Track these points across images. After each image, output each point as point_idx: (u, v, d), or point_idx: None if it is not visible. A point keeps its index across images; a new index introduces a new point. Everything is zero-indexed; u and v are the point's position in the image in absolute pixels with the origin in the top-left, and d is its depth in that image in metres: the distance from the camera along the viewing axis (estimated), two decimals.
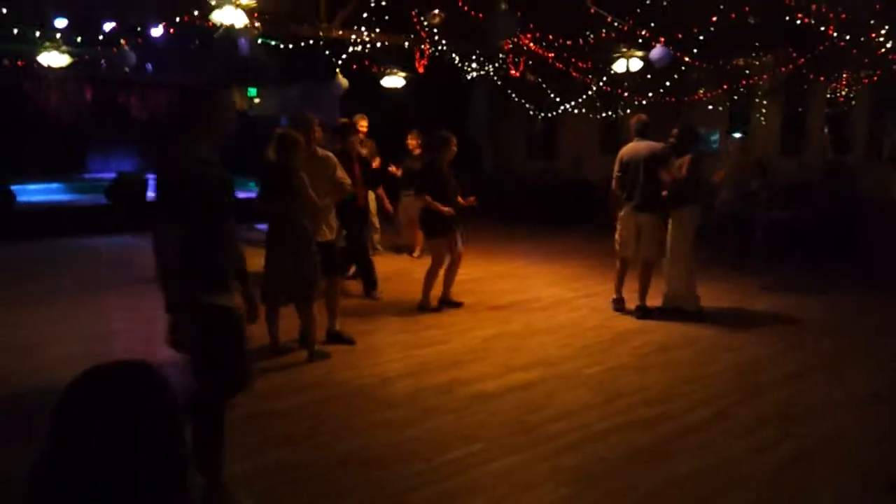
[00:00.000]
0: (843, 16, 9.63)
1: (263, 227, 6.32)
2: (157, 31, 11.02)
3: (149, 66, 15.65)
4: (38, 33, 11.52)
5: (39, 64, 11.95)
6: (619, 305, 8.01)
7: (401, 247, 11.50)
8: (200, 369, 3.64)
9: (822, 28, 9.97)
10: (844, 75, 11.58)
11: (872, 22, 9.57)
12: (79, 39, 11.99)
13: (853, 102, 12.46)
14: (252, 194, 7.59)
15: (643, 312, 7.75)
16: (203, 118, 3.67)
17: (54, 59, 11.70)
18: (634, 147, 7.74)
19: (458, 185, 7.94)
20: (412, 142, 10.80)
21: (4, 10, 10.18)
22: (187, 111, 3.72)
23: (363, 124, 9.78)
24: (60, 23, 10.99)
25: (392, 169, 10.82)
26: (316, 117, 6.84)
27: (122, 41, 11.47)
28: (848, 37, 9.97)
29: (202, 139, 3.65)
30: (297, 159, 6.00)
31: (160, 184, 3.59)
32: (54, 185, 15.32)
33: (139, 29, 11.31)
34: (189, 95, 3.88)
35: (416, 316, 7.78)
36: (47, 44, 11.58)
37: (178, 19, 10.42)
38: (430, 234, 7.97)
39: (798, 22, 10.03)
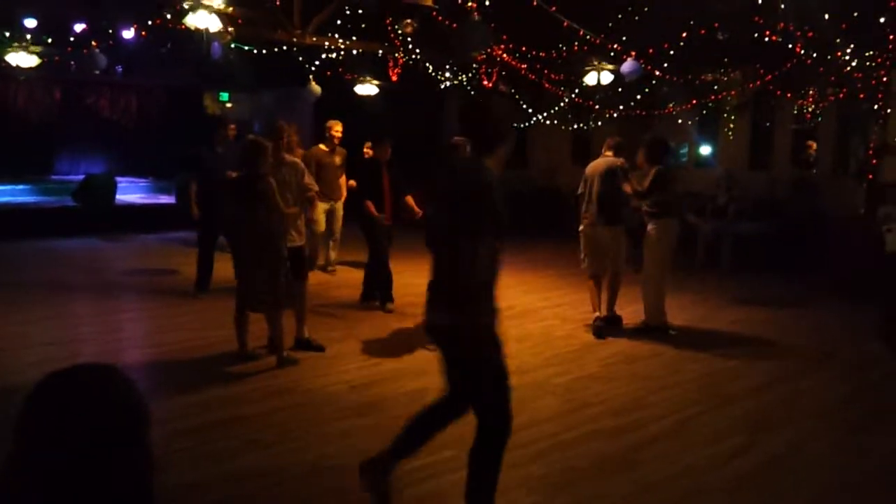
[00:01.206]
0: (811, 34, 9.81)
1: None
2: (128, 34, 10.93)
3: (119, 68, 15.50)
4: (6, 33, 11.38)
5: (8, 64, 11.79)
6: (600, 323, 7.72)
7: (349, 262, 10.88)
8: (490, 401, 3.58)
9: (790, 45, 10.15)
10: (811, 92, 11.78)
11: (838, 40, 9.76)
12: (49, 40, 11.86)
13: (819, 119, 12.68)
14: None
15: (603, 325, 7.61)
16: (488, 128, 3.58)
17: (23, 59, 11.54)
18: (596, 163, 7.81)
19: None
20: (370, 151, 10.04)
21: None
22: (476, 122, 3.60)
23: (338, 129, 9.61)
24: (30, 23, 10.87)
25: (350, 182, 9.99)
26: (290, 124, 6.84)
27: (93, 43, 11.36)
28: (815, 54, 10.16)
29: (487, 150, 3.57)
30: (264, 165, 6.03)
31: (463, 196, 3.45)
32: (21, 187, 15.10)
33: (110, 31, 11.22)
34: (473, 106, 3.80)
35: (386, 323, 7.78)
36: (16, 44, 11.43)
37: (149, 22, 10.36)
38: None
39: (766, 39, 10.21)
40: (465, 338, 3.47)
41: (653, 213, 7.57)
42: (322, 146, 9.63)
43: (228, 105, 18.11)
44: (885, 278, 7.98)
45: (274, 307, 6.16)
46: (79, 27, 11.24)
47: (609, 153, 7.84)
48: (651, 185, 7.52)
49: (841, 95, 11.04)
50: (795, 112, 12.93)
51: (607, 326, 7.64)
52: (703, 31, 10.55)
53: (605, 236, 7.64)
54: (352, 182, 9.88)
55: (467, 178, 3.49)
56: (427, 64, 13.34)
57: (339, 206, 10.05)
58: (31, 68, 11.98)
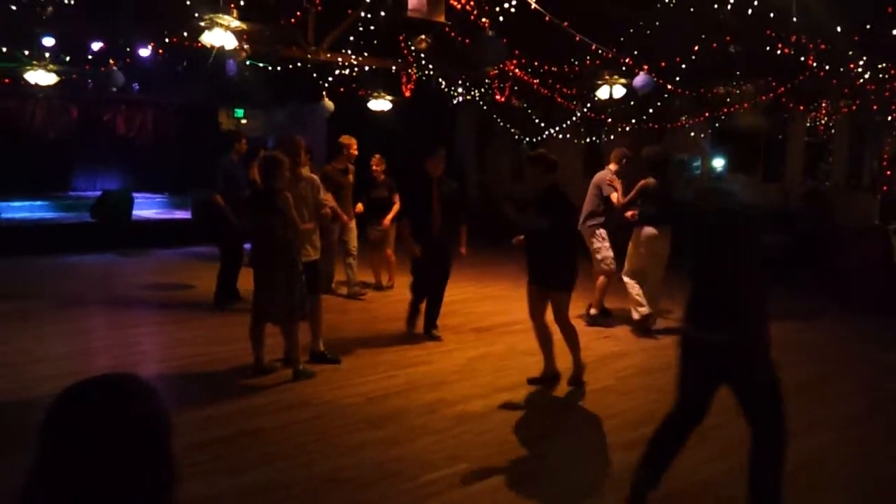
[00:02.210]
0: (823, 46, 9.81)
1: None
2: (145, 52, 11.08)
3: (135, 85, 15.67)
4: (25, 52, 11.55)
5: (26, 82, 11.97)
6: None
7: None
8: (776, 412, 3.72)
9: (802, 58, 10.16)
10: (824, 104, 11.79)
11: (851, 52, 9.76)
12: (66, 59, 12.03)
13: (832, 131, 12.67)
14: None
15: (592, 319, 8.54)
16: (752, 158, 4.04)
17: (41, 77, 11.73)
18: (596, 175, 8.71)
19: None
20: (377, 167, 9.88)
21: None
22: (742, 145, 3.99)
23: (355, 147, 9.26)
24: (48, 42, 11.03)
25: (357, 207, 9.75)
26: (303, 140, 6.88)
27: (111, 61, 11.51)
28: (827, 67, 10.16)
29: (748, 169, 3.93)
30: (281, 180, 6.10)
31: (744, 217, 3.72)
32: (39, 203, 15.26)
33: (127, 49, 11.36)
34: (737, 138, 4.14)
35: (400, 336, 7.81)
36: (34, 62, 11.61)
37: (166, 40, 10.49)
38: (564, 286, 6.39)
39: (778, 52, 10.22)
40: (754, 354, 3.68)
41: (640, 221, 8.08)
42: (337, 164, 9.30)
43: (243, 121, 18.24)
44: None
45: (289, 320, 6.21)
46: (96, 46, 11.39)
47: (611, 165, 8.57)
48: (633, 196, 8.10)
49: (854, 107, 11.03)
50: (808, 124, 12.93)
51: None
52: (714, 45, 10.57)
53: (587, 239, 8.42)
54: (359, 206, 9.71)
55: (742, 199, 3.72)
56: (440, 79, 13.41)
57: (352, 224, 9.67)
58: (49, 86, 12.17)
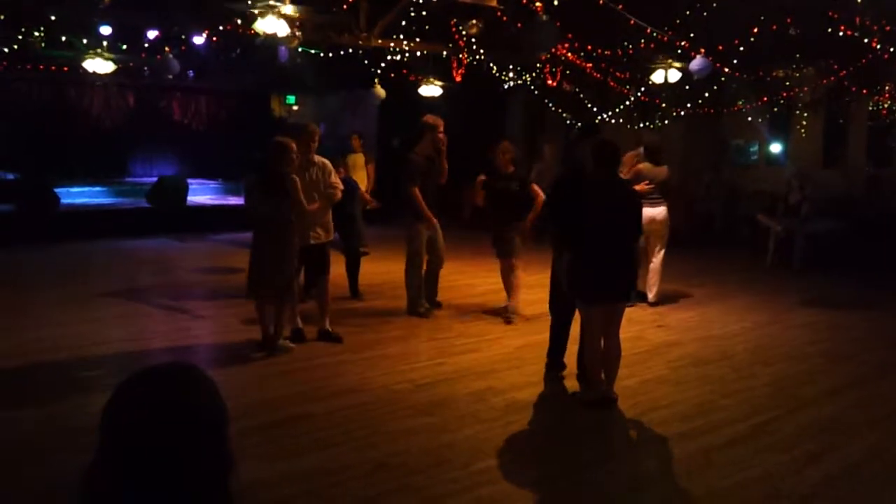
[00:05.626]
0: (888, 28, 9.48)
1: None
2: (199, 40, 11.21)
3: (191, 72, 15.89)
4: (83, 41, 11.78)
5: (85, 70, 12.23)
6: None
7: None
8: None
9: (866, 40, 9.83)
10: (887, 88, 11.42)
11: None
12: (123, 47, 12.26)
13: None
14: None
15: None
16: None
17: (99, 65, 11.97)
18: None
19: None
20: (505, 157, 7.90)
21: (52, 18, 10.43)
22: None
23: (441, 128, 7.92)
24: (105, 31, 11.24)
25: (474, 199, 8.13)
26: (318, 128, 7.19)
27: (166, 49, 11.68)
28: (892, 49, 9.82)
29: None
30: (287, 164, 6.42)
31: None
32: (97, 189, 15.62)
33: (182, 37, 11.52)
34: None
35: (448, 323, 7.79)
36: (92, 51, 11.85)
37: (220, 28, 10.59)
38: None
39: (841, 34, 9.90)
40: None
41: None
42: (420, 151, 7.97)
43: (295, 108, 18.38)
44: None
45: (285, 297, 6.57)
46: (152, 34, 11.58)
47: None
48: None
49: None
50: (871, 108, 12.53)
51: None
52: (774, 27, 10.28)
53: None
54: (476, 199, 8.06)
55: None
56: (491, 64, 13.31)
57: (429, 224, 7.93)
58: (106, 74, 12.44)
